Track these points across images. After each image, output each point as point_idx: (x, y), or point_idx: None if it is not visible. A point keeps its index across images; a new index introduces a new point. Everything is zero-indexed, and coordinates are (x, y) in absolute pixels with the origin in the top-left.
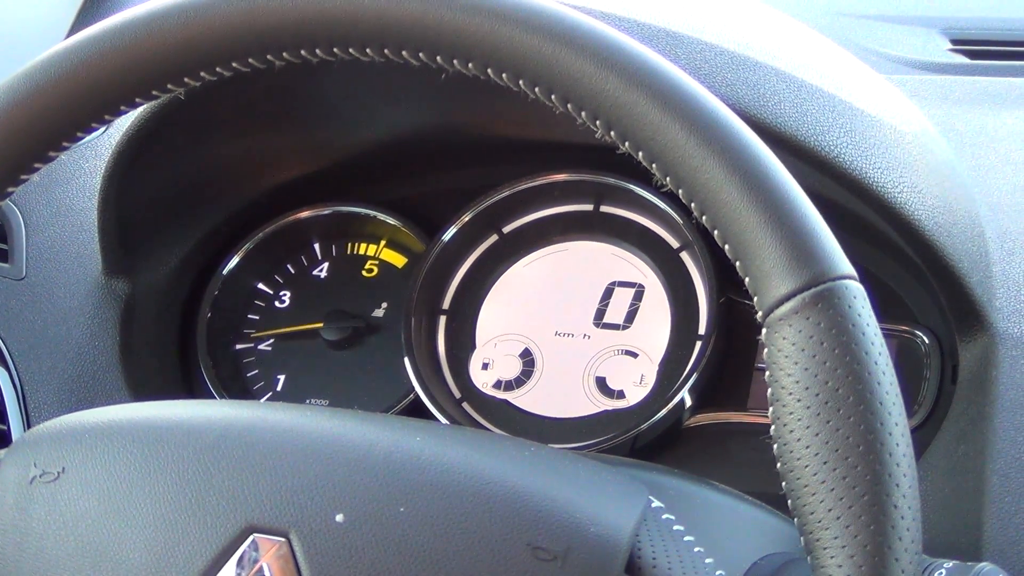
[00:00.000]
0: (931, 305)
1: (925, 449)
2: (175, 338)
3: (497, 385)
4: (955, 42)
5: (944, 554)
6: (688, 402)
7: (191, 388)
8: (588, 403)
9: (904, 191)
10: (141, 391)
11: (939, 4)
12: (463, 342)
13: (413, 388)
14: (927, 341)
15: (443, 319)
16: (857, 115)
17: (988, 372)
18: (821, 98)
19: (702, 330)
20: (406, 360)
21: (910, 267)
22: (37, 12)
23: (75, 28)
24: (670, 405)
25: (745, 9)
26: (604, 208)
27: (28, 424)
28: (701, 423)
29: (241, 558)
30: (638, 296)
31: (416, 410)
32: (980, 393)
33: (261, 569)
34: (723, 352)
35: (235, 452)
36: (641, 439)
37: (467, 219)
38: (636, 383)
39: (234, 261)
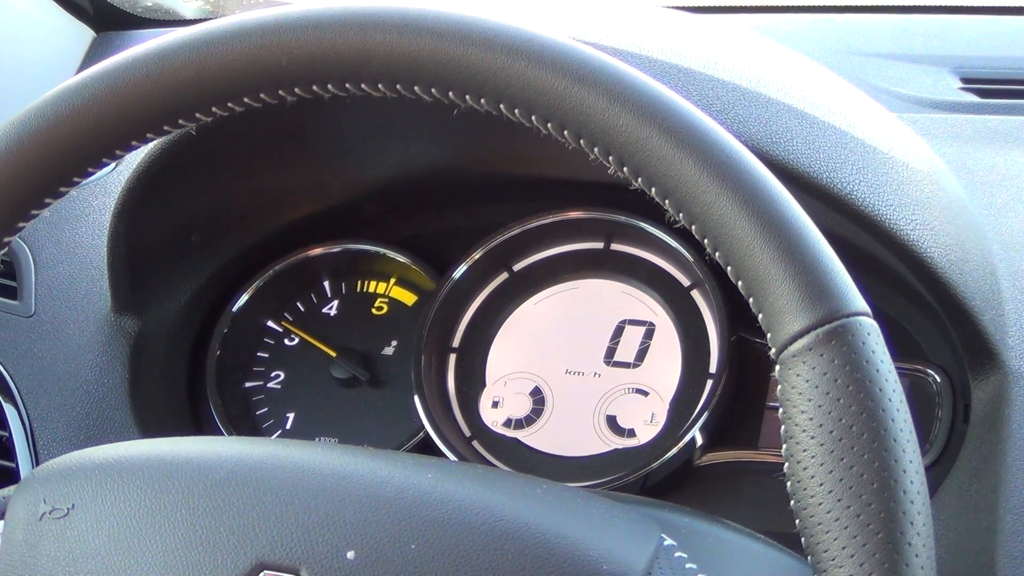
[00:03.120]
0: (943, 343)
1: (937, 488)
2: (184, 375)
3: (507, 423)
4: (965, 80)
5: None
6: (699, 440)
7: (200, 426)
8: (598, 442)
9: (916, 228)
10: (150, 428)
11: (949, 43)
12: (473, 380)
13: (423, 426)
14: (939, 380)
15: (453, 357)
16: (869, 152)
17: (1001, 411)
18: (834, 135)
19: (713, 368)
20: (416, 398)
21: (922, 305)
22: (47, 49)
23: (84, 65)
24: (681, 444)
25: (757, 47)
26: (615, 246)
27: (36, 461)
28: (712, 462)
29: None
30: (648, 334)
31: (426, 448)
32: (993, 432)
33: None
34: (734, 390)
35: (246, 489)
36: (652, 478)
37: (477, 257)
38: (647, 422)
39: (243, 299)
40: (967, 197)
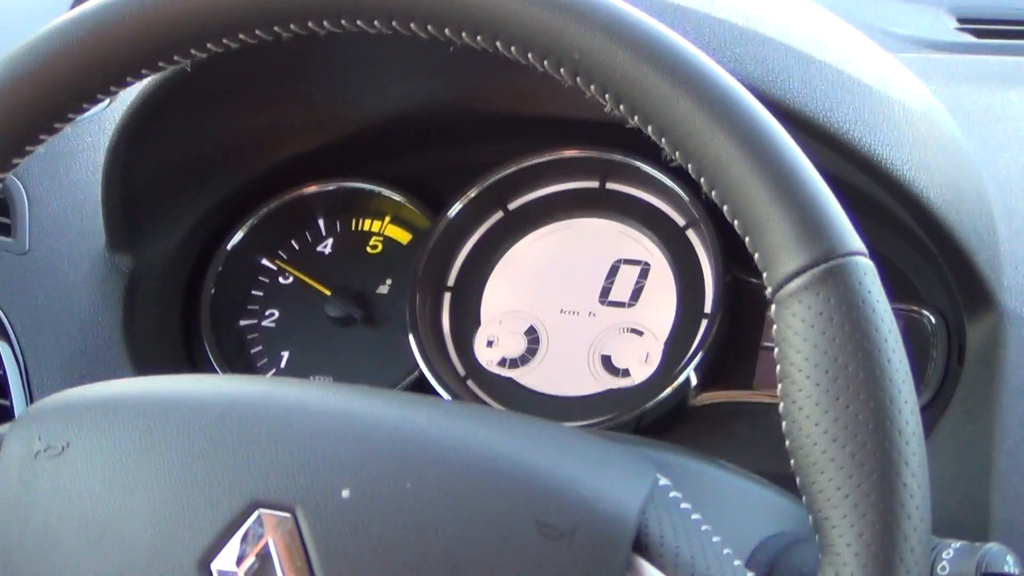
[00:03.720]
0: (938, 284)
1: (932, 429)
2: (179, 313)
3: (502, 363)
4: (962, 21)
5: (951, 534)
6: (694, 381)
7: (194, 364)
8: (593, 381)
9: (913, 168)
10: (144, 366)
11: None
12: (468, 319)
13: (417, 365)
14: (934, 320)
15: (448, 296)
16: (866, 92)
17: (996, 352)
18: (830, 74)
19: (708, 308)
20: (410, 337)
21: (917, 245)
22: None
23: (78, 0)
24: (675, 384)
25: None
26: (610, 185)
27: (31, 399)
28: (706, 402)
29: (246, 534)
30: (644, 274)
31: (420, 387)
32: (987, 373)
33: (266, 545)
34: (729, 331)
35: (241, 427)
36: (646, 418)
37: (472, 195)
38: (641, 361)
39: (238, 237)
40: (963, 137)
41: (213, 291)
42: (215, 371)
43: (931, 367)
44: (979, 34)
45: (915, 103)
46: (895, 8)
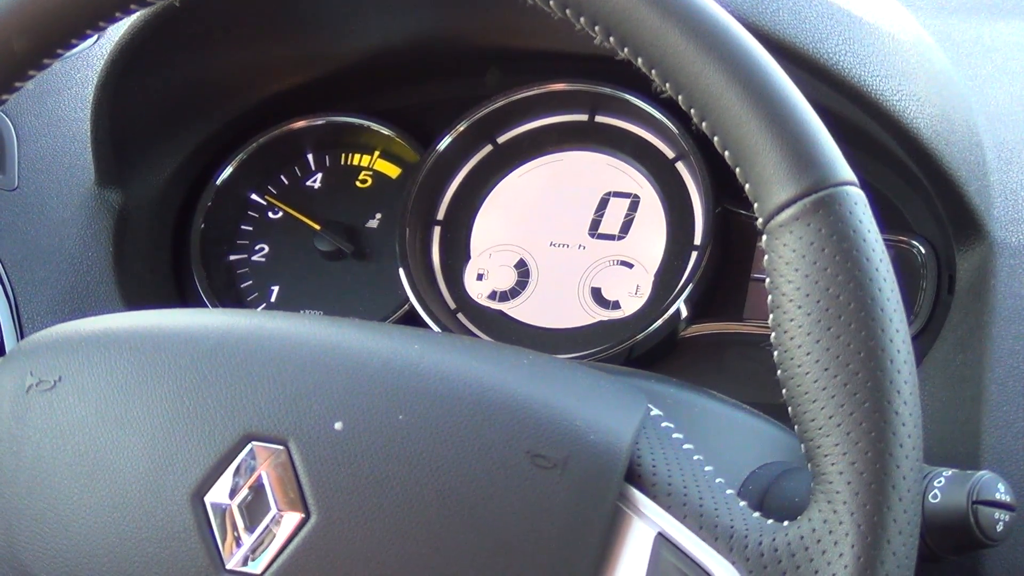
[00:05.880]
0: (927, 215)
1: (923, 359)
2: (168, 248)
3: (492, 296)
4: None
5: (942, 463)
6: (684, 312)
7: (184, 298)
8: (583, 314)
9: (902, 99)
10: (134, 301)
11: None
12: (458, 253)
13: (408, 299)
14: (924, 251)
15: (437, 230)
16: (855, 23)
17: (986, 281)
18: (819, 5)
19: (698, 240)
20: (400, 271)
21: (907, 176)
22: None
23: None
24: (666, 315)
25: None
26: (599, 118)
27: (22, 334)
28: (696, 333)
29: (239, 466)
30: (633, 207)
31: (410, 321)
32: (977, 302)
33: (259, 477)
34: (719, 262)
35: (233, 360)
36: (636, 349)
37: (462, 129)
38: (631, 294)
39: (227, 172)
40: (952, 68)
41: (203, 226)
42: (205, 306)
43: (921, 297)
44: None
45: (904, 34)
46: None
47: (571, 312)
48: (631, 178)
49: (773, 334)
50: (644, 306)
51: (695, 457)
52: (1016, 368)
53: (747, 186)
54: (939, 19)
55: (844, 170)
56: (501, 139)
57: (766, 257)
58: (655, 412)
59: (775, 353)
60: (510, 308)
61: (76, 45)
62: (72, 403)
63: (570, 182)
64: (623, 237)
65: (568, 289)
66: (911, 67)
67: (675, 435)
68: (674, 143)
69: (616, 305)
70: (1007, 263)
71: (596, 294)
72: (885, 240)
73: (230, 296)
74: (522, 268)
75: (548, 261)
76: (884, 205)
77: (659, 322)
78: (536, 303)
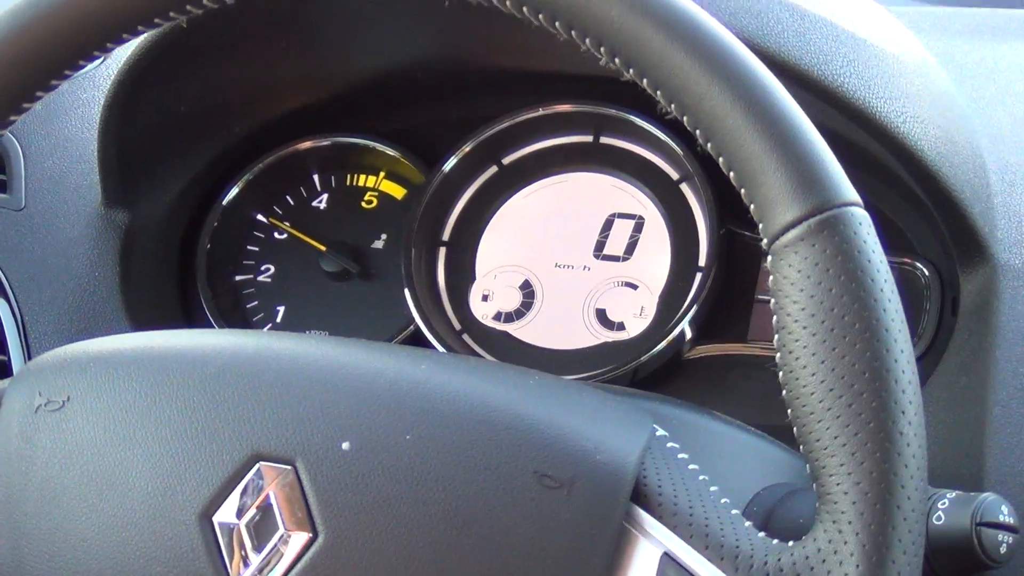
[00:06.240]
0: (931, 236)
1: (926, 381)
2: (175, 269)
3: (497, 317)
4: None
5: (946, 485)
6: (688, 334)
7: (191, 319)
8: (588, 335)
9: (907, 121)
10: (141, 321)
11: None
12: (463, 273)
13: (413, 319)
14: (927, 273)
15: (443, 250)
16: (860, 45)
17: (989, 303)
18: (824, 27)
19: (702, 262)
20: (406, 291)
21: (911, 198)
22: None
23: None
24: (670, 337)
25: None
26: (604, 139)
27: (29, 355)
28: (701, 355)
29: (247, 487)
30: (638, 228)
31: (416, 342)
32: (981, 324)
33: (267, 497)
34: (723, 284)
35: (241, 380)
36: (641, 371)
37: (467, 150)
38: (636, 315)
39: (233, 192)
40: (956, 90)
41: (209, 246)
42: (211, 326)
43: (925, 319)
44: None
45: (909, 56)
46: None
47: (576, 333)
48: (636, 199)
49: (778, 355)
50: (649, 327)
51: (700, 478)
52: (1020, 390)
53: (752, 207)
54: (943, 41)
55: (849, 191)
56: (506, 160)
57: (771, 278)
58: (660, 433)
59: (780, 374)
60: (515, 329)
61: (84, 66)
62: (80, 423)
63: (575, 203)
64: (628, 258)
65: (573, 310)
66: (915, 89)
67: (680, 456)
68: (679, 164)
69: (621, 326)
70: (1011, 285)
71: (601, 315)
72: (889, 261)
73: (236, 316)
74: (527, 289)
75: (553, 282)
76: (888, 227)
77: (664, 343)
78: (541, 324)
